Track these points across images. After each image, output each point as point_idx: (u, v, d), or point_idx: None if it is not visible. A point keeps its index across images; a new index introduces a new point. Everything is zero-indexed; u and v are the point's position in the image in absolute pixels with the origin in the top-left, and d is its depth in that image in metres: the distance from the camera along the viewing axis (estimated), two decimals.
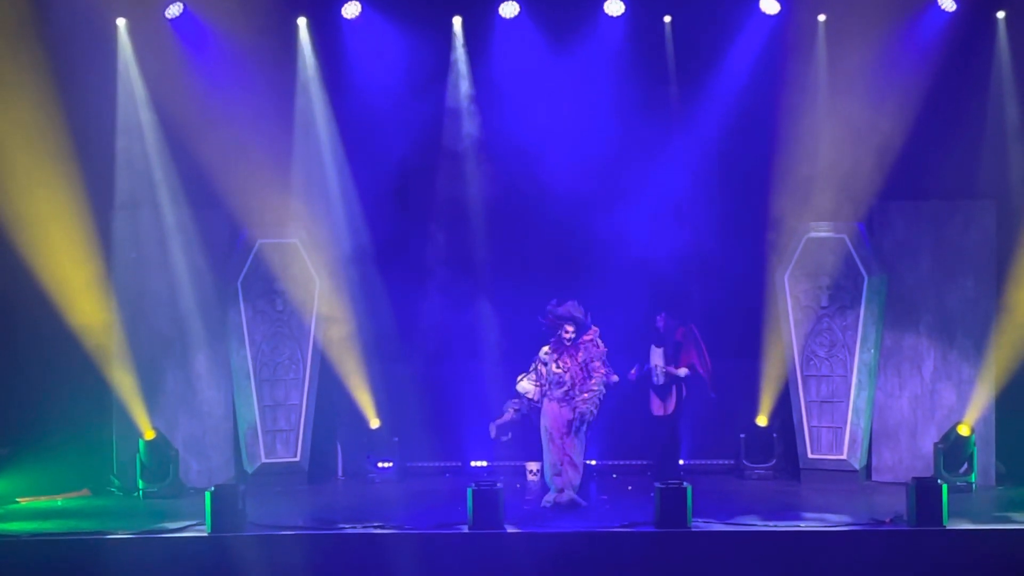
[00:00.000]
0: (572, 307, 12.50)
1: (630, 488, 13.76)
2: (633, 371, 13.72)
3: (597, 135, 14.35)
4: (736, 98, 14.27)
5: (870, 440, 14.04)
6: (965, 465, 13.44)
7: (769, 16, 14.01)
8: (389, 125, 14.22)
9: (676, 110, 14.55)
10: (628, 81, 14.29)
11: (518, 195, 14.46)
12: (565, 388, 12.35)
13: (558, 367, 12.41)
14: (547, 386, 12.41)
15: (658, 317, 14.02)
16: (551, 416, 12.40)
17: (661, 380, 13.90)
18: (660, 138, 14.43)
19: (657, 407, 14.01)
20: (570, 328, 12.42)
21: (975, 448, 13.48)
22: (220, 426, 14.26)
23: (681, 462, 14.29)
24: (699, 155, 14.58)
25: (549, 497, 12.39)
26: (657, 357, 13.96)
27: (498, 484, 11.31)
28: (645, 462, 14.50)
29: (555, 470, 12.36)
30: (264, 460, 14.18)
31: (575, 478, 12.38)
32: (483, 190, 14.69)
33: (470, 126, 14.60)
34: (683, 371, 13.86)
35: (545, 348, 12.55)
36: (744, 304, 14.48)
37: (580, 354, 12.41)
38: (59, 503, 13.41)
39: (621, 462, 14.78)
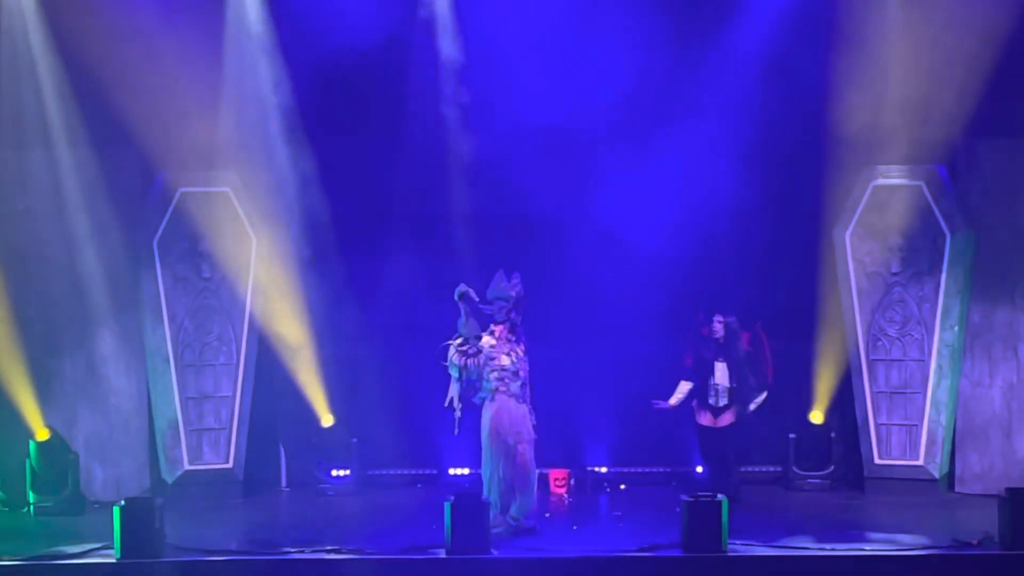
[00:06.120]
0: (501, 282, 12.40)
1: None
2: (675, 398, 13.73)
3: (607, 66, 14.27)
4: (784, 6, 14.17)
5: (953, 441, 14.10)
6: None
7: None
8: (346, 39, 13.94)
9: (706, 21, 14.43)
10: None
11: (509, 136, 14.32)
12: (521, 383, 12.27)
13: (509, 358, 12.24)
14: (501, 380, 12.25)
15: (715, 320, 13.76)
16: (513, 417, 12.18)
17: (724, 401, 13.69)
18: (686, 56, 14.36)
19: (706, 419, 13.80)
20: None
21: None
22: (131, 423, 14.28)
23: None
24: (735, 78, 14.45)
25: (504, 521, 12.08)
26: (721, 374, 13.69)
27: (484, 497, 11.47)
28: (667, 470, 14.66)
29: (510, 485, 12.19)
30: (188, 467, 14.21)
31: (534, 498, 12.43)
32: (466, 127, 14.60)
33: (449, 46, 14.60)
34: (763, 397, 13.70)
35: (488, 338, 12.30)
36: (793, 270, 14.51)
37: (522, 345, 12.31)
38: None
39: (636, 470, 14.85)
